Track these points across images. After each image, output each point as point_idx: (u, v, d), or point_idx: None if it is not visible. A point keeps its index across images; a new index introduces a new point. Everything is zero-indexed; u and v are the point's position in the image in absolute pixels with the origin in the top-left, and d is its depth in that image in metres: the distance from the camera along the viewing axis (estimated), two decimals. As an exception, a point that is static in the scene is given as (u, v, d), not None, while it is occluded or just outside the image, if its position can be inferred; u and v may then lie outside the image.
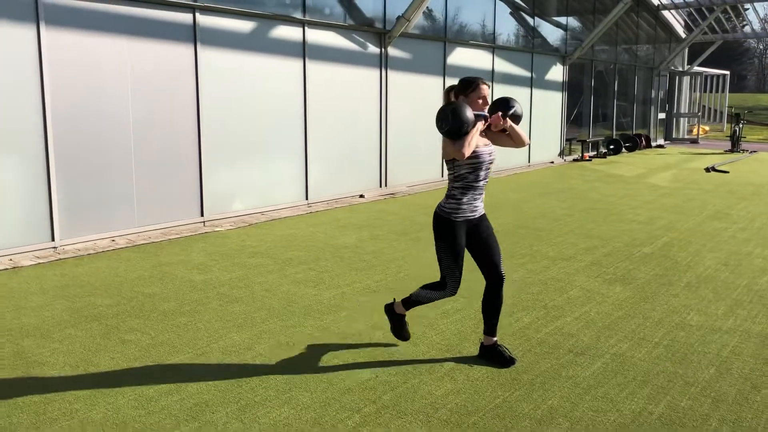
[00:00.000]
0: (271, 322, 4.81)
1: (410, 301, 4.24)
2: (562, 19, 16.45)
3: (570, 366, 4.05)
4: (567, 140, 17.13)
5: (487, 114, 4.00)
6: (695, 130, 24.92)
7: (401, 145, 11.37)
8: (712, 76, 26.16)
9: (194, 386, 3.74)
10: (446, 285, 4.05)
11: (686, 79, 24.26)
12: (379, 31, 10.70)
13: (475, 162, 3.92)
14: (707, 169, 14.97)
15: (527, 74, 15.04)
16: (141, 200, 7.57)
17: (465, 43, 12.80)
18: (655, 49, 21.78)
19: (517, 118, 4.11)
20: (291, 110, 9.36)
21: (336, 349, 4.31)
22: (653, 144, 21.91)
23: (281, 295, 5.48)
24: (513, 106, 4.09)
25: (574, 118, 17.40)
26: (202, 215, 8.26)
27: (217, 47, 8.23)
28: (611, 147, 18.81)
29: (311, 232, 8.03)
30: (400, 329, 4.31)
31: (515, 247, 7.20)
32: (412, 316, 4.95)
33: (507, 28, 14.31)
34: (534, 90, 15.29)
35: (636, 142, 19.99)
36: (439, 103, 10.91)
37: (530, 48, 15.07)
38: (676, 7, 20.33)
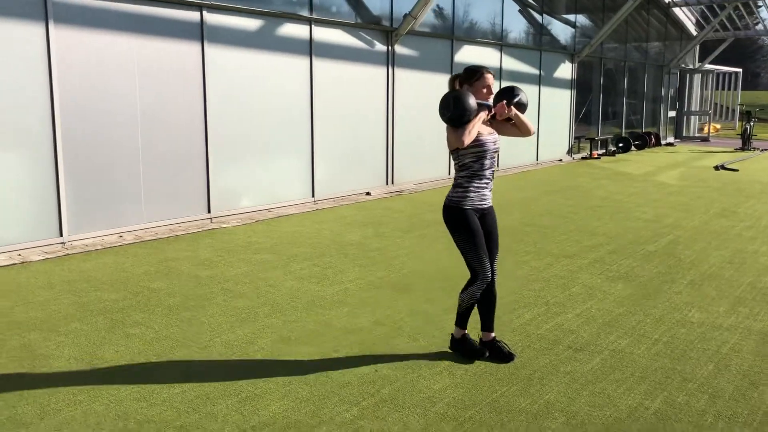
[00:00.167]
0: (274, 317, 4.86)
1: (460, 317, 4.12)
2: (571, 17, 16.41)
3: (569, 362, 4.08)
4: (576, 138, 17.09)
5: (491, 103, 4.01)
6: (706, 128, 24.77)
7: (408, 142, 11.40)
8: (724, 74, 26.02)
9: (196, 379, 3.79)
10: (478, 274, 3.97)
11: (697, 77, 24.12)
12: (386, 29, 10.73)
13: (479, 150, 3.94)
14: (716, 168, 14.90)
15: (535, 72, 15.02)
16: (148, 197, 7.65)
17: (473, 41, 12.81)
18: (666, 46, 21.68)
19: (522, 107, 4.11)
20: (297, 108, 9.41)
21: (337, 344, 4.35)
22: (663, 142, 21.81)
23: (285, 290, 5.53)
24: (518, 95, 4.09)
25: (582, 116, 17.36)
26: (209, 212, 8.33)
27: (224, 45, 8.29)
28: (620, 145, 18.74)
29: (317, 229, 8.08)
30: (470, 350, 4.11)
31: (519, 245, 7.22)
32: (414, 311, 4.99)
33: (515, 26, 14.30)
34: (542, 88, 15.27)
35: (645, 140, 19.91)
36: (446, 100, 10.91)
37: (538, 46, 15.05)
38: (687, 4, 20.22)
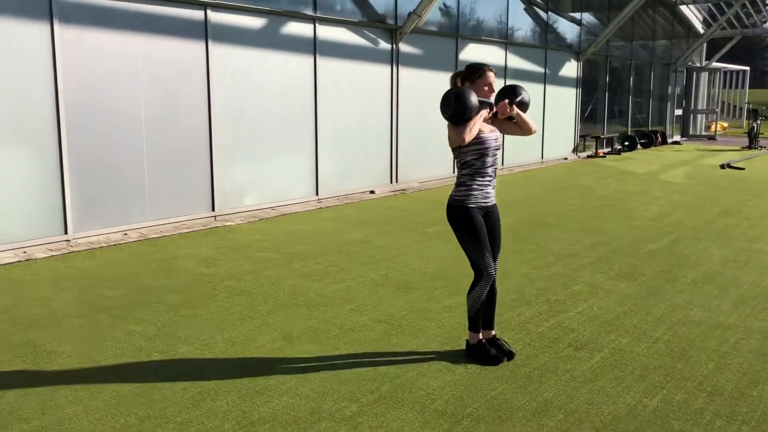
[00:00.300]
0: (276, 315, 4.88)
1: (472, 321, 4.08)
2: (577, 15, 16.37)
3: (568, 360, 4.08)
4: (581, 137, 17.06)
5: (493, 101, 4.01)
6: (713, 127, 24.68)
7: (412, 141, 11.40)
8: (731, 72, 25.90)
9: (197, 376, 3.82)
10: (482, 272, 3.96)
11: (704, 75, 24.03)
12: (391, 28, 10.74)
13: (481, 148, 3.94)
14: (722, 166, 14.85)
15: (541, 70, 15.00)
16: (153, 195, 7.69)
17: (477, 39, 12.80)
18: (672, 44, 21.60)
19: (524, 106, 4.10)
20: (301, 106, 9.43)
21: (338, 342, 4.37)
22: (669, 140, 21.73)
23: (287, 288, 5.55)
24: (520, 94, 4.09)
25: (588, 115, 17.32)
26: (213, 210, 8.36)
27: (228, 44, 8.32)
28: (626, 143, 18.70)
29: (320, 227, 8.10)
30: (486, 356, 4.04)
31: (522, 243, 7.22)
32: (415, 309, 5.01)
33: (520, 24, 14.28)
34: (548, 86, 15.24)
35: (651, 139, 19.86)
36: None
37: (544, 44, 15.02)
38: (694, 1, 20.13)
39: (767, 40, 60.46)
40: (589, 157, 16.96)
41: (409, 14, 10.65)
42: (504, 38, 13.64)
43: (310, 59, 9.46)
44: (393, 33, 10.80)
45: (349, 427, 3.26)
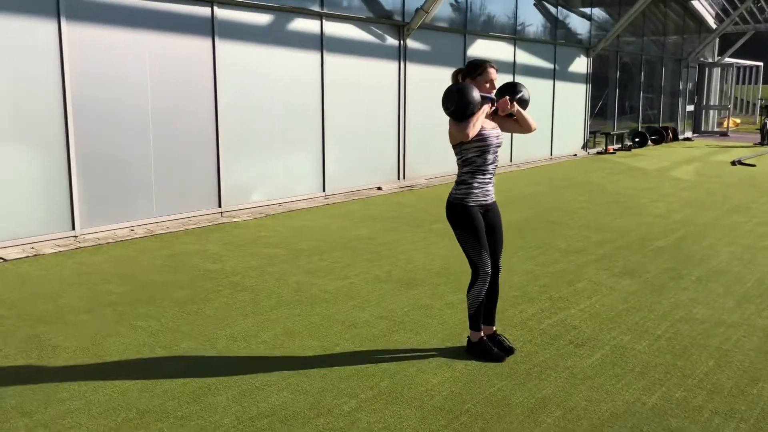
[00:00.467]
0: (279, 311, 4.91)
1: (472, 320, 4.09)
2: (587, 10, 16.27)
3: (569, 357, 4.09)
4: (591, 133, 16.98)
5: (494, 97, 4.01)
6: (725, 123, 24.48)
7: (420, 137, 11.40)
8: (744, 68, 25.68)
9: (198, 371, 3.86)
10: (479, 270, 3.97)
11: (717, 71, 23.83)
12: (398, 24, 10.73)
13: (483, 145, 3.93)
14: (733, 163, 14.74)
15: (550, 66, 14.94)
16: (160, 191, 7.74)
17: (485, 35, 12.77)
18: (684, 39, 21.43)
19: (524, 103, 4.11)
20: (308, 103, 9.46)
21: (339, 338, 4.39)
22: (681, 137, 21.59)
23: (291, 284, 5.58)
24: (520, 91, 4.09)
25: (598, 111, 17.23)
26: (219, 206, 8.41)
27: (234, 40, 8.35)
28: (636, 140, 18.60)
29: (326, 223, 8.13)
30: (489, 353, 4.04)
31: (527, 240, 7.22)
32: (417, 306, 5.02)
33: (529, 19, 14.22)
34: (557, 82, 15.18)
35: (662, 135, 19.73)
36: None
37: (553, 39, 14.96)
38: (705, -4, 19.98)
39: (782, 34, 59.79)
40: (599, 153, 16.88)
41: (417, 10, 10.64)
42: (513, 34, 13.59)
43: (317, 55, 9.47)
44: (400, 29, 10.80)
45: (347, 422, 3.28)
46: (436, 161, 11.92)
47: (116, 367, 3.91)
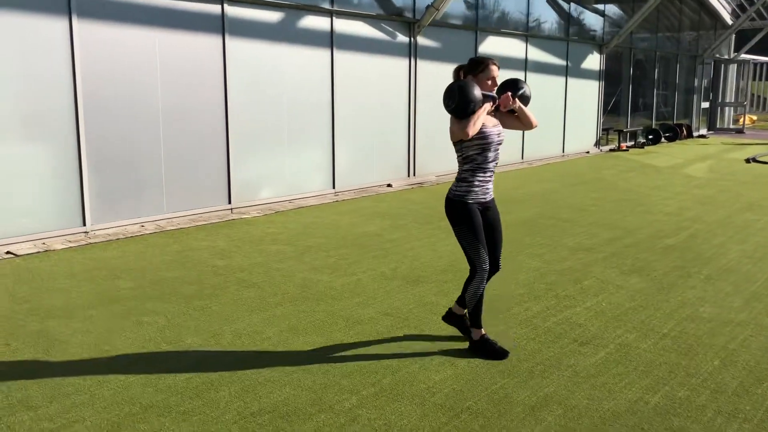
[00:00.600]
0: (284, 307, 4.94)
1: (473, 317, 4.09)
2: (600, 6, 16.16)
3: (572, 355, 4.07)
4: (604, 130, 16.88)
5: (496, 95, 4.00)
6: (741, 120, 24.23)
7: (430, 134, 11.38)
8: (761, 64, 25.36)
9: (202, 367, 3.89)
10: (476, 267, 3.97)
11: (733, 67, 23.57)
12: (409, 21, 10.72)
13: (484, 142, 3.92)
14: (748, 160, 14.58)
15: (562, 63, 14.86)
16: (170, 187, 7.79)
17: (497, 32, 12.72)
18: (699, 36, 21.22)
19: (525, 99, 4.10)
20: (318, 100, 9.47)
21: (343, 334, 4.41)
22: (695, 134, 21.39)
23: (297, 280, 5.60)
24: (522, 87, 4.09)
25: (611, 108, 17.12)
26: (229, 202, 8.45)
27: (244, 37, 8.38)
28: (650, 137, 18.46)
29: (335, 220, 8.15)
30: (492, 350, 4.03)
31: (536, 238, 7.19)
32: (422, 303, 5.02)
33: (541, 16, 14.14)
34: (569, 79, 15.10)
35: (676, 132, 19.56)
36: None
37: (566, 36, 14.87)
38: (721, -8, 19.76)
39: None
40: (611, 150, 16.77)
41: (427, 7, 10.62)
42: (525, 31, 13.53)
43: (327, 53, 9.49)
44: (411, 26, 10.78)
45: (347, 419, 3.30)
46: (446, 158, 11.85)
47: (121, 362, 3.96)
